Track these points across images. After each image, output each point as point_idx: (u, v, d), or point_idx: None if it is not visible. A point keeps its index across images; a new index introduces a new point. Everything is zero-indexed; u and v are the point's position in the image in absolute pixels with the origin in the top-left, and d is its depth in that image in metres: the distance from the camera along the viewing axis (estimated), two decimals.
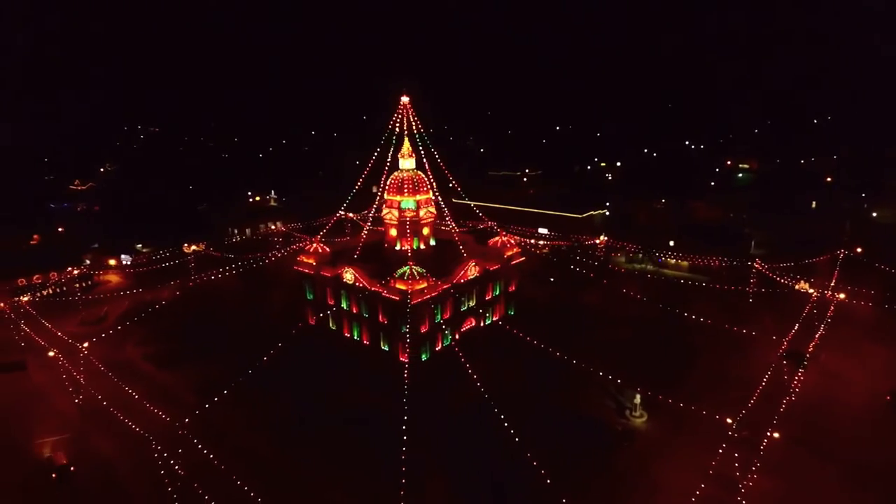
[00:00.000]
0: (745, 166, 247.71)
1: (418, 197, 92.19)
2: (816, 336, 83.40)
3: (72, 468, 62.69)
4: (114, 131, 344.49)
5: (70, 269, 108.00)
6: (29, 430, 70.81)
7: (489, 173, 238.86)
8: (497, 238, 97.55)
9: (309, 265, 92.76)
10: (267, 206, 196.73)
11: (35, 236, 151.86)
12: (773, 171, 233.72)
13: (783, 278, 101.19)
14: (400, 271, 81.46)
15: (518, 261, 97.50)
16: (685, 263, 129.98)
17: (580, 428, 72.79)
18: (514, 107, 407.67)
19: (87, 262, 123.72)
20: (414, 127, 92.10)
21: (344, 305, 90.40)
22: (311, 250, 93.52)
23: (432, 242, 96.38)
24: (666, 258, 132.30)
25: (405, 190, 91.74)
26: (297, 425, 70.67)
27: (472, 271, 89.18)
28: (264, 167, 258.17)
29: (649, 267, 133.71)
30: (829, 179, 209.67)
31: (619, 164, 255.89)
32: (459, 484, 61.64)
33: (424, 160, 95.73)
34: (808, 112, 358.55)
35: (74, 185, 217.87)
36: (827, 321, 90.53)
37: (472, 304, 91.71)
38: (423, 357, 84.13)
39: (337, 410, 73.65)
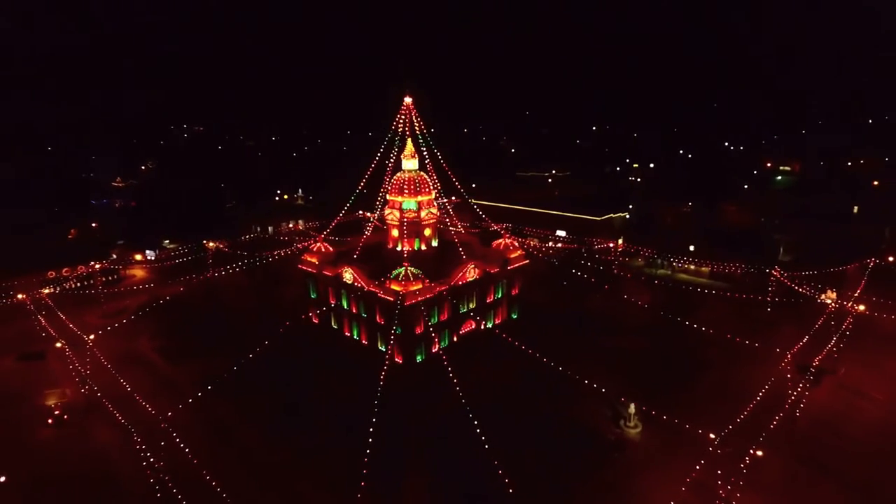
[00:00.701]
0: (787, 168, 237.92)
1: (419, 198, 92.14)
2: (826, 349, 79.17)
3: (65, 416, 73.67)
4: (160, 130, 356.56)
5: (92, 263, 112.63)
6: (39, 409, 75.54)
7: (517, 174, 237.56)
8: (500, 240, 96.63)
9: (312, 264, 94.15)
10: (294, 205, 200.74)
11: (72, 230, 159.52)
12: (816, 173, 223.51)
13: (803, 287, 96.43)
14: (395, 272, 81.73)
15: (521, 264, 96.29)
16: (705, 269, 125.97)
17: (572, 436, 71.49)
18: (551, 106, 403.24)
19: (114, 256, 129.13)
20: (417, 128, 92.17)
21: (344, 305, 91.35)
22: (315, 249, 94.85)
23: (434, 243, 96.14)
24: (686, 263, 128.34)
25: (406, 191, 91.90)
26: (286, 415, 71.98)
27: (471, 274, 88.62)
28: (297, 166, 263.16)
29: (667, 272, 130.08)
30: (875, 183, 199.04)
31: (651, 165, 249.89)
32: (434, 488, 61.35)
33: (428, 161, 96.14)
34: (863, 111, 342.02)
35: (116, 182, 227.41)
36: (845, 334, 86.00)
37: (471, 306, 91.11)
38: (419, 358, 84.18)
39: (327, 408, 74.50)
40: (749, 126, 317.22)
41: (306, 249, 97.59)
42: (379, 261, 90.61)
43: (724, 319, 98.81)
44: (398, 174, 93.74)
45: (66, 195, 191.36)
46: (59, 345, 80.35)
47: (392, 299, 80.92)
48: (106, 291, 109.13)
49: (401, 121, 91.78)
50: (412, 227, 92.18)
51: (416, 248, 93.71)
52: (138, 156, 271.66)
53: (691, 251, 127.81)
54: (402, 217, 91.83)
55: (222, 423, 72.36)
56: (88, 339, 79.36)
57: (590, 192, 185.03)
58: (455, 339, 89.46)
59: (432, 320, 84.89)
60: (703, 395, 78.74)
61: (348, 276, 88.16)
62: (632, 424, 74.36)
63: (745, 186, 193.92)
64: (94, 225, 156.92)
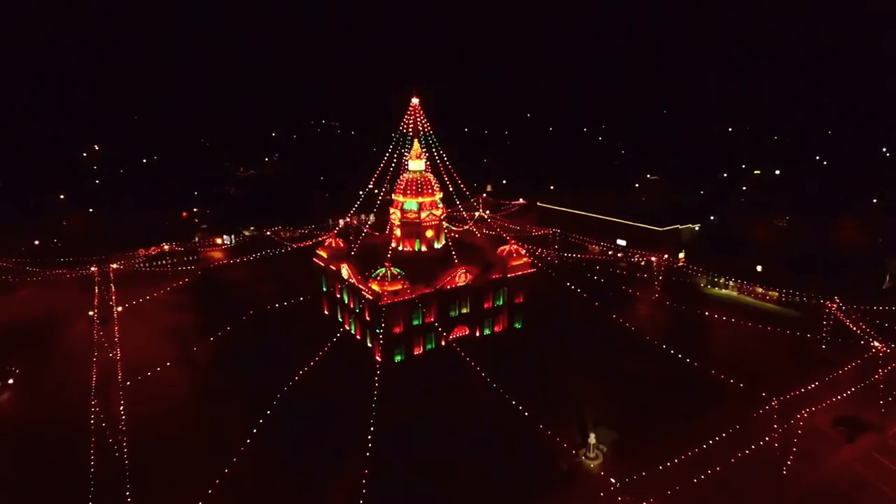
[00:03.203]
0: None
1: (420, 199, 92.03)
2: (829, 400, 66.03)
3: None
4: (299, 124, 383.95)
5: (162, 244, 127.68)
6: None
7: (617, 177, 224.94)
8: (505, 247, 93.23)
9: (322, 258, 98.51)
10: (385, 198, 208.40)
11: (184, 213, 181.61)
12: None
13: (860, 326, 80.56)
14: (376, 272, 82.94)
15: (524, 272, 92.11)
16: (774, 293, 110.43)
17: (523, 459, 67.48)
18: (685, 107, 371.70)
19: (196, 239, 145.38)
20: (422, 128, 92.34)
21: (345, 299, 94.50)
22: (327, 244, 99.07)
23: (437, 245, 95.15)
24: (753, 286, 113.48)
25: (408, 191, 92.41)
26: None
27: (461, 278, 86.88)
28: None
29: (730, 294, 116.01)
30: None
31: (777, 171, 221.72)
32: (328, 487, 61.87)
33: (448, 162, 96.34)
34: None
35: (240, 173, 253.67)
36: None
37: (464, 311, 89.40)
38: (397, 358, 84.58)
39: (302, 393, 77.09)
40: None
41: (321, 243, 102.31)
42: (377, 259, 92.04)
43: (754, 352, 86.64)
44: (404, 174, 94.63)
45: (191, 181, 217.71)
46: (91, 313, 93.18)
47: (372, 298, 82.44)
48: (173, 269, 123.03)
49: (409, 121, 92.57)
50: (411, 228, 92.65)
51: (416, 249, 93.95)
52: (267, 147, 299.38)
53: (758, 272, 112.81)
54: (403, 217, 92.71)
55: (187, 398, 78.54)
56: (116, 310, 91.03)
57: (681, 198, 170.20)
58: (443, 343, 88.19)
59: (415, 322, 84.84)
60: (694, 436, 69.30)
61: (344, 271, 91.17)
62: (592, 455, 68.62)
63: (875, 200, 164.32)
64: (195, 210, 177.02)
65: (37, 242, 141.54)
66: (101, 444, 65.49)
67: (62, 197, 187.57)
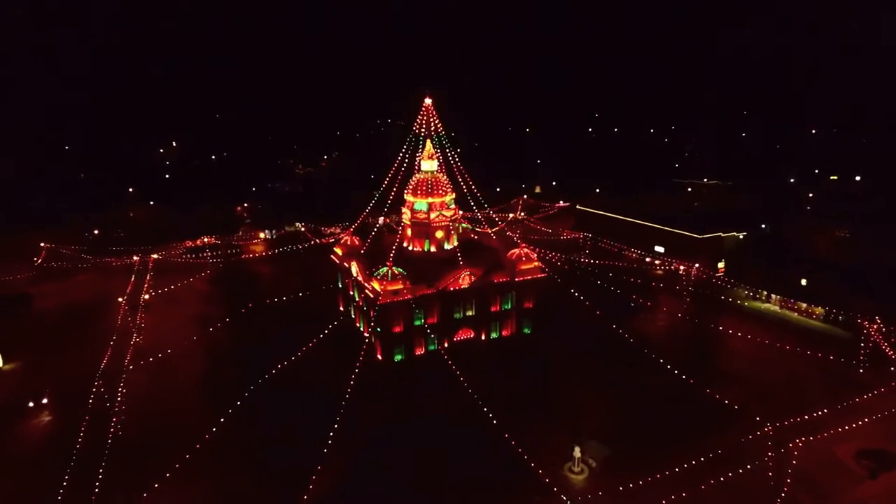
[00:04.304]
0: None
1: (430, 199, 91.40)
2: (839, 427, 59.50)
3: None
4: (365, 123, 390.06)
5: (203, 237, 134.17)
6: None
7: (674, 181, 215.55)
8: (515, 250, 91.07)
9: (338, 255, 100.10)
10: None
11: (237, 208, 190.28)
12: None
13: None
14: (378, 271, 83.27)
15: (533, 276, 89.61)
16: (819, 310, 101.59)
17: (504, 471, 65.58)
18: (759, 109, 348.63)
19: (240, 233, 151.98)
20: (434, 129, 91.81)
21: (355, 296, 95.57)
22: (342, 241, 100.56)
23: (448, 246, 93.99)
24: (795, 302, 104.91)
25: (419, 192, 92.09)
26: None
27: (465, 281, 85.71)
28: None
29: (772, 308, 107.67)
30: None
31: (857, 178, 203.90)
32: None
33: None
34: None
35: (298, 170, 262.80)
36: None
37: (469, 314, 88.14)
38: (397, 358, 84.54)
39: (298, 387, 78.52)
40: None
41: (337, 241, 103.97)
42: (387, 258, 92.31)
43: (777, 373, 79.95)
44: (416, 175, 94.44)
45: (251, 178, 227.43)
46: (120, 300, 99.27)
47: (372, 295, 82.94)
48: (210, 261, 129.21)
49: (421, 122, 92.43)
50: (420, 228, 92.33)
51: (425, 250, 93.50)
52: (330, 146, 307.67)
53: (802, 286, 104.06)
54: (412, 217, 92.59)
55: (184, 383, 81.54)
56: (143, 298, 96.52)
57: (739, 204, 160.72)
58: (446, 345, 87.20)
59: (416, 322, 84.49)
60: (684, 454, 64.84)
61: (354, 269, 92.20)
62: (577, 469, 65.69)
63: None
64: (245, 205, 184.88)
65: (96, 231, 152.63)
66: (93, 423, 69.56)
67: (131, 190, 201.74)
